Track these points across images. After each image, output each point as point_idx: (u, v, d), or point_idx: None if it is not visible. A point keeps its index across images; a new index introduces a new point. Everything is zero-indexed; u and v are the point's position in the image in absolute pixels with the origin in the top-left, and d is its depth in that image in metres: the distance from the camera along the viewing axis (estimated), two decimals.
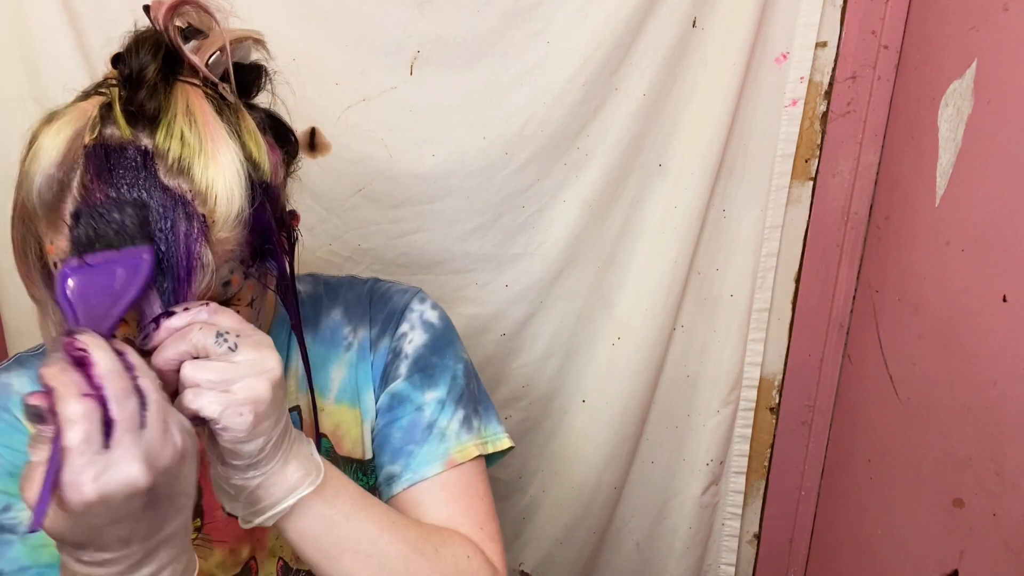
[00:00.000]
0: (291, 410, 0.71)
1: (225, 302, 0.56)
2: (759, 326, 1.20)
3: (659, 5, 1.02)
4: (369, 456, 0.73)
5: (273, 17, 0.98)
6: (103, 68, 0.99)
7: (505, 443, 0.74)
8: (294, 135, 0.63)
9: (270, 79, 0.61)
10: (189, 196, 0.51)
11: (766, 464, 1.29)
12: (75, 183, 0.51)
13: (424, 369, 0.72)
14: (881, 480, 1.07)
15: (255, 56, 0.60)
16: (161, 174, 0.50)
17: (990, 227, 0.85)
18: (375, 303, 0.75)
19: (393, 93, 1.04)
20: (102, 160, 0.50)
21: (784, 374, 1.24)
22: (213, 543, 0.68)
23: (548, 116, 1.05)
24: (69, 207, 0.51)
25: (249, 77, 0.60)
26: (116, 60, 0.55)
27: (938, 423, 0.93)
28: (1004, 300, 0.82)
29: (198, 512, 0.68)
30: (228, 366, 0.49)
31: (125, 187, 0.50)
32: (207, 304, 0.51)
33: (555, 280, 1.14)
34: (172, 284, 0.51)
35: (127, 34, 0.55)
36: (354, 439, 0.72)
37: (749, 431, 1.26)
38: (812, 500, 1.28)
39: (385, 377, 0.72)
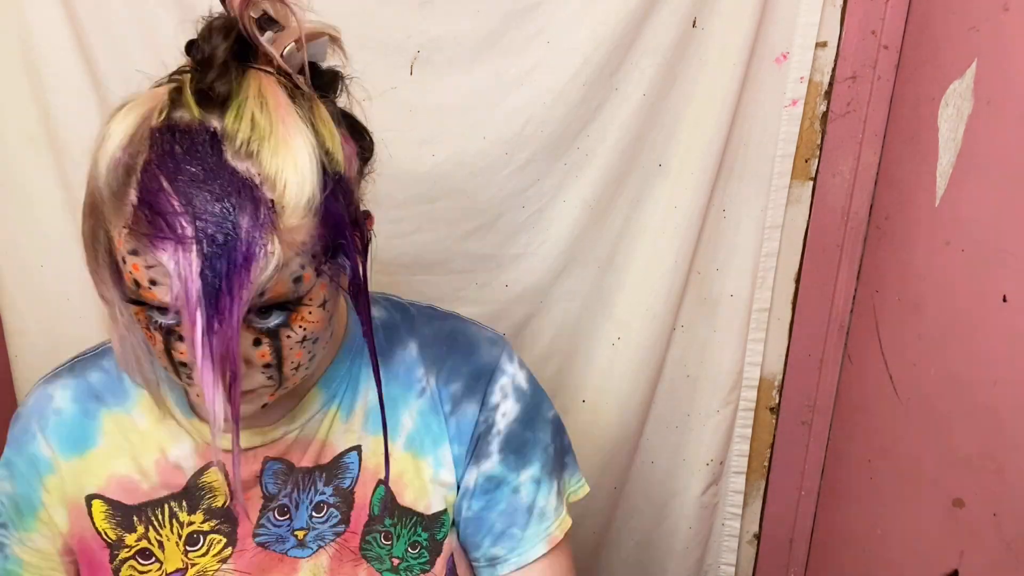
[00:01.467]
0: (351, 450, 0.68)
1: (297, 300, 0.54)
2: (759, 326, 1.20)
3: (659, 5, 1.02)
4: (433, 511, 0.71)
5: None
6: (103, 68, 1.00)
7: (583, 492, 0.78)
8: (370, 136, 0.62)
9: (346, 88, 0.60)
10: (257, 180, 0.48)
11: (766, 464, 1.29)
12: (139, 165, 0.49)
13: (517, 449, 0.71)
14: (881, 480, 1.07)
15: (332, 62, 0.59)
16: (229, 156, 0.48)
17: (990, 227, 0.85)
18: (457, 350, 0.71)
19: (393, 93, 1.04)
20: (168, 141, 0.48)
21: (784, 374, 1.24)
22: (236, 573, 0.67)
23: (548, 116, 1.05)
24: (134, 191, 0.49)
25: (324, 80, 0.58)
26: (189, 47, 0.53)
27: (938, 423, 0.93)
28: (1004, 300, 0.82)
29: (231, 541, 0.67)
30: None
31: (191, 169, 0.48)
32: None
33: (555, 280, 1.14)
34: (226, 266, 0.47)
35: (200, 19, 0.53)
36: (417, 490, 0.70)
37: (749, 431, 1.26)
38: (812, 500, 1.28)
39: (474, 450, 0.70)
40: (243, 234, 0.48)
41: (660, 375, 1.21)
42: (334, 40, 0.58)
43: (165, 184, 0.48)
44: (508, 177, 1.08)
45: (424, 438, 0.69)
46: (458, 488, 0.71)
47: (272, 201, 0.49)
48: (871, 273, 1.13)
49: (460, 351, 0.71)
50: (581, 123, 1.07)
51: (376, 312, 0.72)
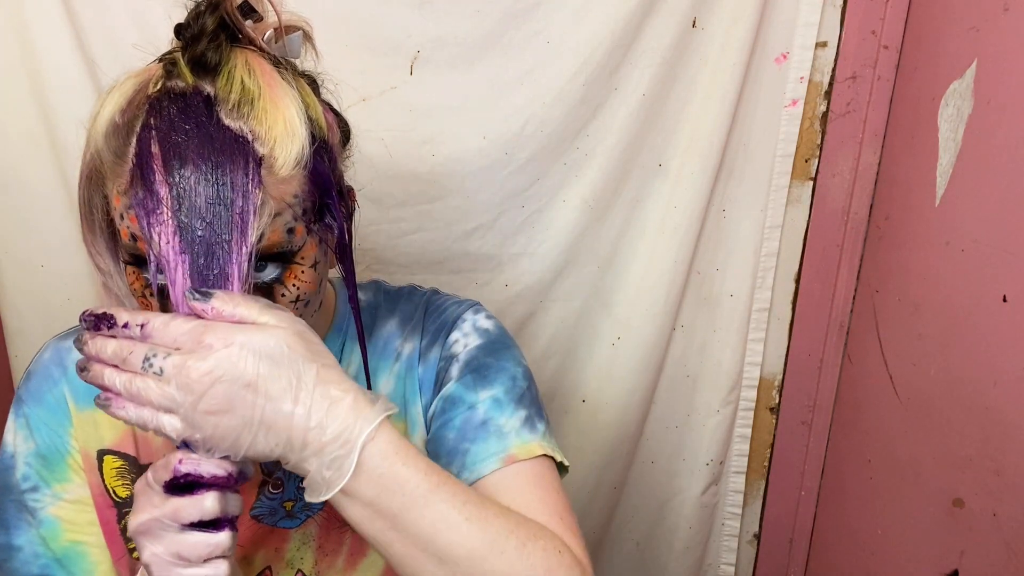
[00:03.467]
0: None
1: (290, 257, 0.56)
2: (759, 326, 1.20)
3: (659, 5, 1.02)
4: None
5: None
6: (103, 68, 1.00)
7: (566, 461, 0.66)
8: (346, 122, 0.64)
9: (318, 87, 0.62)
10: (250, 137, 0.52)
11: (766, 464, 1.29)
12: (138, 126, 0.52)
13: (477, 370, 0.67)
14: (881, 480, 1.07)
15: (309, 64, 0.62)
16: (223, 116, 0.51)
17: (990, 227, 0.85)
18: (429, 314, 0.72)
19: (393, 93, 1.04)
20: (165, 105, 0.52)
21: (784, 374, 1.24)
22: None
23: (548, 116, 1.05)
24: (133, 149, 0.52)
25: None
26: (178, 30, 0.56)
27: (938, 423, 0.93)
28: (1004, 300, 0.82)
29: None
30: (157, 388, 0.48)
31: (186, 127, 0.51)
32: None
33: (555, 280, 1.14)
34: (228, 225, 0.51)
35: (186, 4, 0.57)
36: None
37: (749, 431, 1.26)
38: (812, 500, 1.28)
39: (437, 385, 0.68)
40: (237, 188, 0.51)
41: (660, 375, 1.21)
42: (307, 38, 0.61)
43: (155, 149, 0.51)
44: (508, 177, 1.08)
45: (402, 401, 0.70)
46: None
47: (262, 157, 0.52)
48: (871, 273, 1.13)
49: (432, 315, 0.72)
50: (581, 123, 1.07)
51: (361, 294, 0.74)
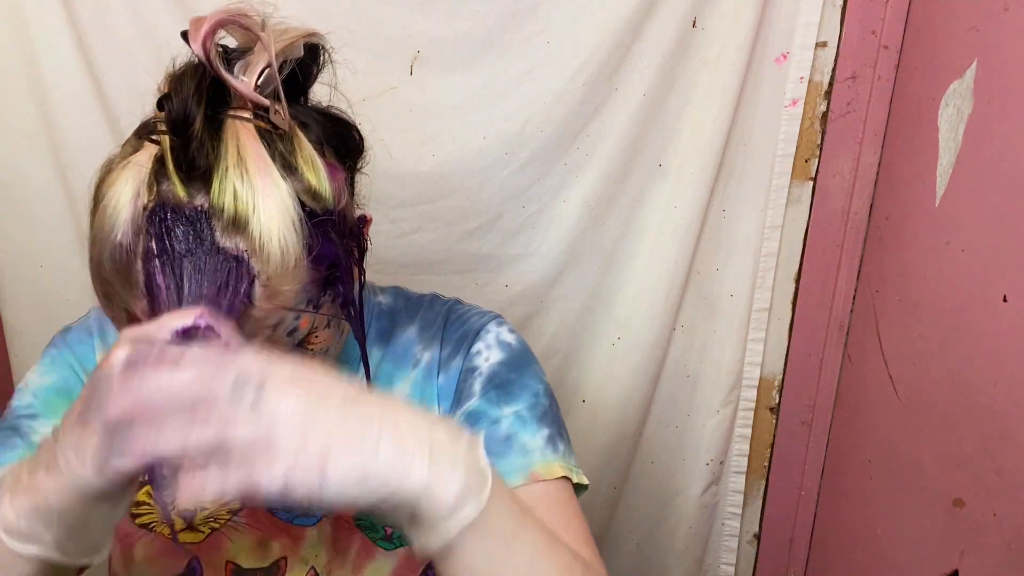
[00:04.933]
0: None
1: (300, 343, 0.55)
2: (759, 326, 1.20)
3: (659, 5, 1.02)
4: None
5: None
6: (103, 67, 1.00)
7: (585, 479, 0.67)
8: (357, 131, 0.61)
9: (329, 56, 0.59)
10: (245, 256, 0.50)
11: (766, 464, 1.29)
12: (140, 249, 0.50)
13: (501, 386, 0.67)
14: (881, 480, 1.07)
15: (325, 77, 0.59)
16: (218, 234, 0.49)
17: (990, 227, 0.85)
18: (450, 324, 0.72)
19: (393, 93, 1.04)
20: (162, 224, 0.49)
21: (784, 374, 1.24)
22: (246, 527, 0.68)
23: (548, 116, 1.05)
24: (140, 276, 0.50)
25: (304, 71, 0.58)
26: (162, 103, 0.53)
27: (938, 423, 0.93)
28: (1004, 300, 0.82)
29: None
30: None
31: (184, 256, 0.49)
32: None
33: (555, 280, 1.14)
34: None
35: (166, 73, 0.53)
36: None
37: (749, 431, 1.26)
38: (812, 500, 1.28)
39: (458, 398, 0.68)
40: (235, 311, 0.50)
41: (660, 375, 1.21)
42: (309, 35, 0.57)
43: (160, 280, 0.49)
44: (508, 177, 1.08)
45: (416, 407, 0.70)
46: None
47: (256, 275, 0.50)
48: (871, 273, 1.13)
49: (453, 324, 0.72)
50: (581, 123, 1.07)
51: (384, 299, 0.74)
